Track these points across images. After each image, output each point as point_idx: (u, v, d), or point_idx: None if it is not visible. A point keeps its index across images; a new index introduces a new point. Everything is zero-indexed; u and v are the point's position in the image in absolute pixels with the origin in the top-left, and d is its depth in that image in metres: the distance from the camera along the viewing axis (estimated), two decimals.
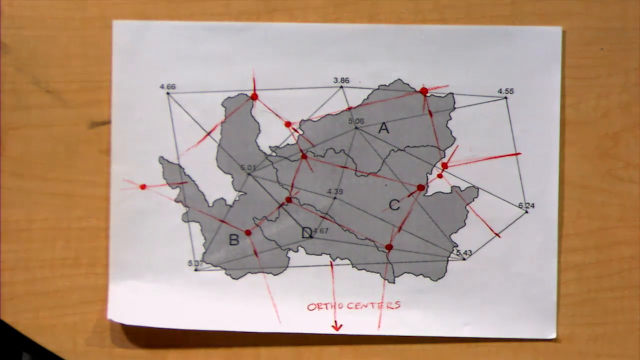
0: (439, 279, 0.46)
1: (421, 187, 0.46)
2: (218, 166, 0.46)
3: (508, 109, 0.46)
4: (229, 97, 0.46)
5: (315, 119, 0.46)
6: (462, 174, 0.46)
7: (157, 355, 0.46)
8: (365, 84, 0.46)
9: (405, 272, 0.46)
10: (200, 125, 0.46)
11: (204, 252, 0.46)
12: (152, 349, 0.46)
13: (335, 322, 0.46)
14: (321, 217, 0.46)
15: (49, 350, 0.46)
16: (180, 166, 0.46)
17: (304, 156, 0.46)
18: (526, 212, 0.46)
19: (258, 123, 0.46)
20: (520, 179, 0.46)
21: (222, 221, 0.46)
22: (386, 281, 0.46)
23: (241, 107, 0.46)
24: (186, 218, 0.46)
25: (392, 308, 0.46)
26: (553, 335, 0.46)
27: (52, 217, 0.46)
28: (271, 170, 0.46)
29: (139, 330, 0.46)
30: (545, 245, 0.46)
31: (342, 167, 0.46)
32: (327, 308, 0.46)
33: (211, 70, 0.46)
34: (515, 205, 0.46)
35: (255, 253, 0.46)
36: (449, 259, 0.46)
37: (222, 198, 0.46)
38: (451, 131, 0.46)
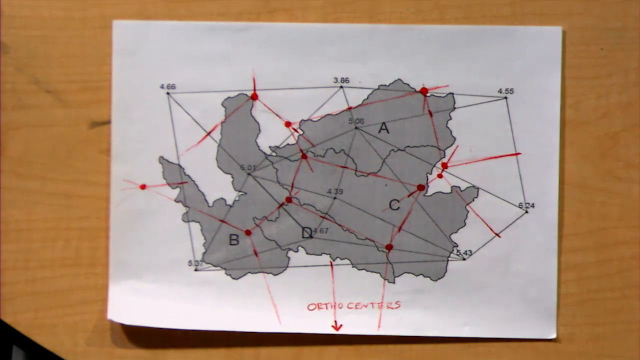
0: (439, 279, 0.46)
1: (421, 187, 0.46)
2: (218, 166, 0.46)
3: (508, 109, 0.46)
4: (229, 97, 0.46)
5: (315, 119, 0.46)
6: (462, 174, 0.46)
7: (157, 355, 0.46)
8: (365, 84, 0.46)
9: (405, 272, 0.46)
10: (200, 125, 0.46)
11: (204, 252, 0.46)
12: (152, 349, 0.46)
13: (335, 322, 0.46)
14: (321, 217, 0.46)
15: (41, 346, 0.46)
16: (180, 166, 0.46)
17: (304, 156, 0.46)
18: (526, 212, 0.46)
19: (258, 123, 0.46)
20: (520, 179, 0.46)
21: (222, 221, 0.46)
22: (386, 281, 0.46)
23: (241, 107, 0.46)
24: (186, 218, 0.46)
25: (392, 308, 0.46)
26: (553, 335, 0.46)
27: (52, 217, 0.46)
28: (271, 170, 0.46)
29: (139, 330, 0.46)
30: (545, 245, 0.46)
31: (342, 167, 0.46)
32: (327, 308, 0.46)
33: (211, 70, 0.46)
34: (515, 205, 0.46)
35: (255, 253, 0.46)
36: (449, 259, 0.46)
37: (222, 198, 0.46)
38: (451, 131, 0.46)
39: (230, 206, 0.46)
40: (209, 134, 0.46)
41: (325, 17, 0.46)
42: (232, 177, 0.46)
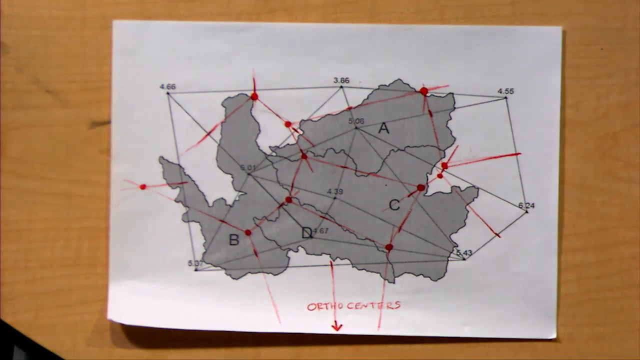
0: (439, 279, 0.46)
1: (421, 187, 0.46)
2: (218, 166, 0.46)
3: (508, 109, 0.46)
4: (229, 97, 0.46)
5: (315, 119, 0.46)
6: (462, 174, 0.46)
7: (157, 355, 0.46)
8: (365, 84, 0.46)
9: (405, 272, 0.46)
10: (200, 125, 0.46)
11: (204, 252, 0.46)
12: (152, 349, 0.46)
13: (335, 322, 0.46)
14: (321, 217, 0.46)
15: (41, 346, 0.46)
16: (180, 166, 0.46)
17: (304, 156, 0.46)
18: (526, 212, 0.46)
19: (258, 123, 0.46)
20: (520, 179, 0.46)
21: (222, 221, 0.46)
22: (386, 281, 0.46)
23: (241, 107, 0.46)
24: (186, 218, 0.46)
25: (392, 308, 0.46)
26: (553, 335, 0.46)
27: (52, 217, 0.46)
28: (271, 170, 0.46)
29: (139, 330, 0.46)
30: (545, 245, 0.46)
31: (342, 167, 0.46)
32: (327, 308, 0.46)
33: (211, 70, 0.46)
34: (515, 205, 0.46)
35: (255, 253, 0.46)
36: (449, 259, 0.46)
37: (222, 198, 0.46)
38: (451, 131, 0.46)
39: (230, 206, 0.46)
40: (209, 134, 0.46)
41: (325, 17, 0.46)
42: (232, 177, 0.46)
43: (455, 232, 0.46)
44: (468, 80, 0.46)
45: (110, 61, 0.46)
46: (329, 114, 0.46)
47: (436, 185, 0.46)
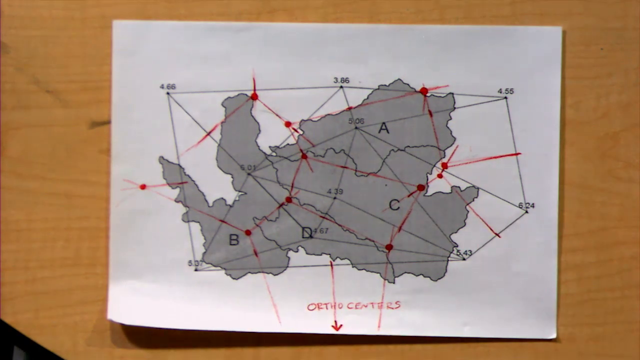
0: (439, 279, 0.46)
1: (421, 187, 0.46)
2: (218, 166, 0.46)
3: (508, 109, 0.46)
4: (229, 97, 0.46)
5: (315, 119, 0.46)
6: (462, 174, 0.46)
7: (157, 355, 0.46)
8: (365, 84, 0.46)
9: (405, 272, 0.46)
10: (200, 125, 0.46)
11: (204, 252, 0.46)
12: (152, 349, 0.46)
13: (335, 322, 0.46)
14: (321, 217, 0.46)
15: (41, 346, 0.46)
16: (180, 166, 0.46)
17: (304, 156, 0.46)
18: (526, 212, 0.46)
19: (258, 123, 0.46)
20: (520, 179, 0.46)
21: (222, 221, 0.46)
22: (386, 281, 0.46)
23: (241, 107, 0.46)
24: (186, 218, 0.46)
25: (392, 308, 0.46)
26: (553, 335, 0.46)
27: (52, 217, 0.46)
28: (271, 170, 0.46)
29: (139, 330, 0.46)
30: (545, 245, 0.46)
31: (342, 167, 0.46)
32: (327, 308, 0.46)
33: (211, 70, 0.46)
34: (515, 205, 0.46)
35: (255, 253, 0.46)
36: (449, 259, 0.46)
37: (222, 198, 0.46)
38: (451, 131, 0.46)
39: (230, 206, 0.46)
40: (209, 134, 0.46)
41: (325, 17, 0.46)
42: (232, 177, 0.46)
43: (455, 232, 0.46)
44: (468, 80, 0.46)
45: (110, 61, 0.46)
46: (329, 114, 0.46)
47: (436, 185, 0.46)
